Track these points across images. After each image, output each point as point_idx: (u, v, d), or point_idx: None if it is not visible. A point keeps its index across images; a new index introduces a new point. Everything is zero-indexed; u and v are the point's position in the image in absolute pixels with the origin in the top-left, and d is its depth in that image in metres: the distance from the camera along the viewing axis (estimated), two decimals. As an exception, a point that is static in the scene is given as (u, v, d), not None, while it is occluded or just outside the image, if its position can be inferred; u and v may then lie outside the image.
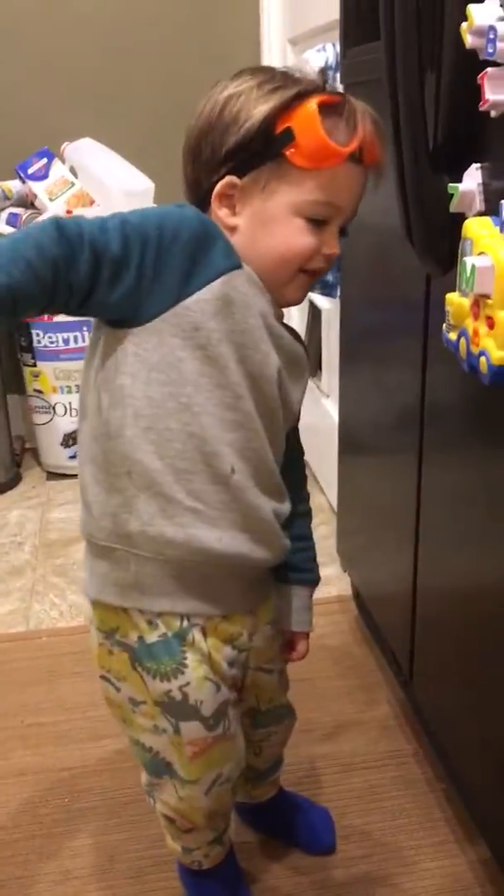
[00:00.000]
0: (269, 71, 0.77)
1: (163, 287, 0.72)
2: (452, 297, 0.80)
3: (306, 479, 0.94)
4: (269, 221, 0.76)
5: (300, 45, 2.07)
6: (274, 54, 2.23)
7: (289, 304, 0.82)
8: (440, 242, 0.89)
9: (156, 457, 0.74)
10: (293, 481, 0.89)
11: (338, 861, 1.07)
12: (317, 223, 0.77)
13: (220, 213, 0.77)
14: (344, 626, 1.56)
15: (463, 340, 0.78)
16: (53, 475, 2.31)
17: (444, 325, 0.83)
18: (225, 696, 0.84)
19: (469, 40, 0.74)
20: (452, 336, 0.81)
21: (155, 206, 0.81)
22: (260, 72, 0.77)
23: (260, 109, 0.74)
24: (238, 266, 0.75)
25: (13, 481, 2.29)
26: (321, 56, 1.55)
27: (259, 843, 1.10)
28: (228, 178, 0.76)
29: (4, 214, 2.15)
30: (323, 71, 0.69)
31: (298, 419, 0.90)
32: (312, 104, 0.73)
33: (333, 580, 1.60)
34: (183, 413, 0.74)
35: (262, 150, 0.75)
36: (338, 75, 1.45)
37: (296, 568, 0.92)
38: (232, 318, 0.74)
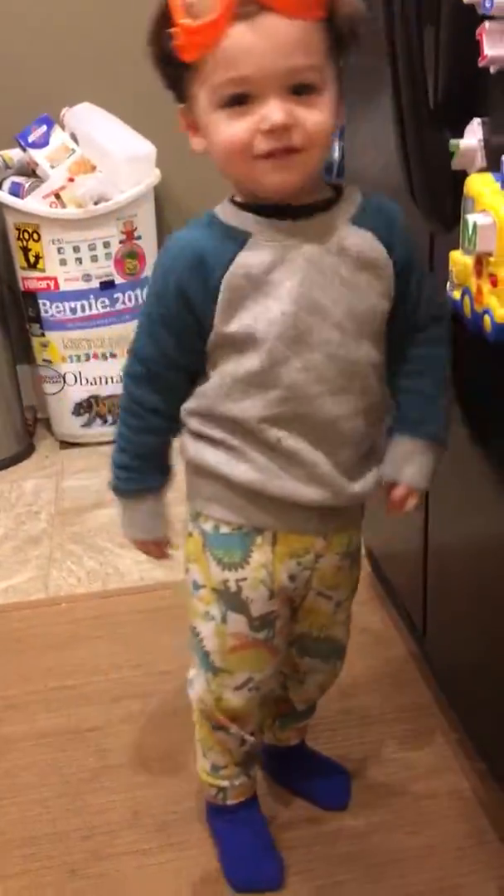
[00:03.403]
0: None
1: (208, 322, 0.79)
2: (456, 256, 0.80)
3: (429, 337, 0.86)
4: (206, 129, 0.74)
5: None
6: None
7: (275, 193, 0.75)
8: (443, 200, 0.89)
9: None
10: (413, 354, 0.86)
11: (355, 810, 1.10)
12: (238, 106, 0.70)
13: (193, 142, 0.77)
14: (357, 584, 1.58)
15: (467, 299, 0.78)
16: (66, 444, 2.32)
17: (448, 283, 0.83)
18: (275, 607, 0.89)
19: (467, -6, 0.73)
20: (456, 295, 0.81)
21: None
22: None
23: (150, 30, 0.73)
24: (232, 255, 0.76)
25: (27, 451, 2.31)
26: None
27: (277, 794, 1.13)
28: (179, 109, 0.77)
29: (7, 184, 2.15)
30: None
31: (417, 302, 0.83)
32: None
33: (346, 540, 1.61)
34: (233, 406, 0.81)
35: (165, 64, 0.73)
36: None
37: (399, 418, 0.89)
38: (245, 302, 0.76)
